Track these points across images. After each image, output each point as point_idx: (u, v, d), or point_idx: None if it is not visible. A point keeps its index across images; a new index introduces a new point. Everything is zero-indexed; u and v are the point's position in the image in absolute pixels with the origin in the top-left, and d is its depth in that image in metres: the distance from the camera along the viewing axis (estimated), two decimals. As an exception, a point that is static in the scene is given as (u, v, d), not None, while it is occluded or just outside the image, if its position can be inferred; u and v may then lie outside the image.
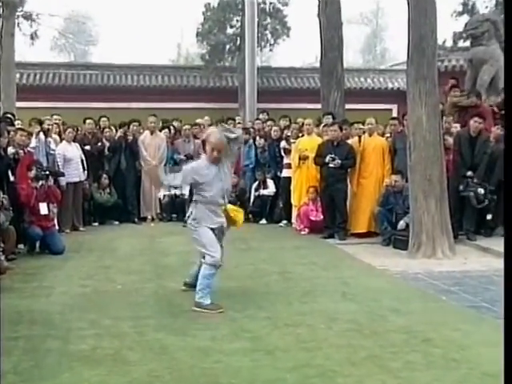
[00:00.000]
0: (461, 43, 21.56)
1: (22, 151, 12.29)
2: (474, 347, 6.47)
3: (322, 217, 13.97)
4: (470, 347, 6.47)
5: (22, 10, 24.29)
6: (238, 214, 8.57)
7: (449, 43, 22.42)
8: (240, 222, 8.54)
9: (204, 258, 8.00)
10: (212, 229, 8.06)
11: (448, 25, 35.77)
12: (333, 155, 13.28)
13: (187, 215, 8.37)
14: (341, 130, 13.88)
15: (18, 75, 26.10)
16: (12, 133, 12.63)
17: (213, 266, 7.89)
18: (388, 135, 14.65)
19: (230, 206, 8.48)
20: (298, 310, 7.73)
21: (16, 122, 14.45)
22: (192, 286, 8.43)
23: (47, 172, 12.40)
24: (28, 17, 24.57)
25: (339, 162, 13.25)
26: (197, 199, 8.15)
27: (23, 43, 26.18)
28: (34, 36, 24.86)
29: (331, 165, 13.28)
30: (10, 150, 11.92)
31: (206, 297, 7.83)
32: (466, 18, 21.43)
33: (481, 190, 12.45)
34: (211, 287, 7.89)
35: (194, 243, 8.24)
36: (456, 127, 14.18)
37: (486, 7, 22.01)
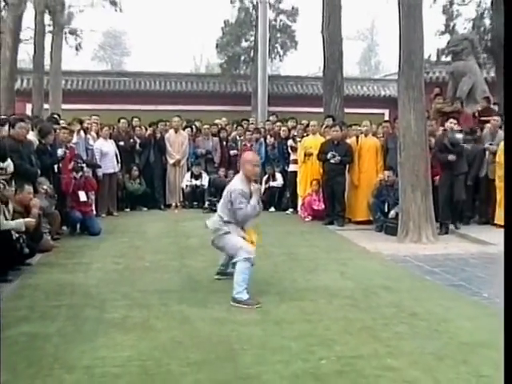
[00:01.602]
0: (443, 58, 21.55)
1: (67, 150, 12.37)
2: (454, 320, 6.49)
3: (323, 206, 13.96)
4: (449, 320, 6.48)
5: (68, 27, 24.43)
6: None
7: (433, 58, 22.35)
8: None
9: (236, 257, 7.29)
10: None
11: (433, 42, 35.77)
12: (333, 152, 13.30)
13: (215, 228, 7.55)
14: (341, 130, 13.91)
15: (63, 81, 26.20)
16: (57, 131, 12.73)
17: (248, 260, 7.11)
18: (381, 136, 14.62)
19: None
20: (302, 287, 7.73)
21: (61, 122, 14.53)
22: (223, 274, 8.12)
23: (83, 164, 12.48)
24: (73, 32, 24.75)
25: (339, 158, 13.27)
26: (230, 220, 7.43)
27: (69, 54, 26.33)
28: (78, 48, 25.01)
29: (332, 161, 13.30)
30: (60, 152, 11.99)
31: (242, 292, 7.07)
32: (447, 36, 21.44)
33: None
34: (247, 282, 7.14)
35: (225, 248, 7.61)
36: (440, 130, 14.17)
37: (465, 28, 22.12)
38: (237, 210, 7.33)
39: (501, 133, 13.64)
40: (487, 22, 22.14)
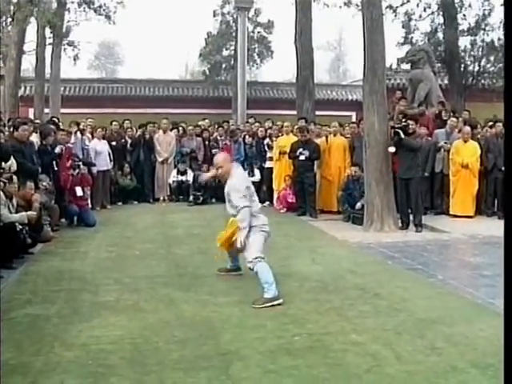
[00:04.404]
0: (403, 66, 21.81)
1: (64, 148, 12.33)
2: (411, 299, 6.57)
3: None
4: (408, 299, 6.56)
5: (66, 39, 24.38)
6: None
7: (394, 66, 22.61)
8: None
9: None
10: None
11: (393, 52, 36.01)
12: (302, 151, 13.38)
13: None
14: (307, 132, 14.07)
15: (62, 88, 26.09)
16: (56, 132, 12.71)
17: None
18: (348, 135, 14.68)
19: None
20: (277, 272, 7.64)
21: (60, 124, 14.50)
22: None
23: (80, 162, 12.49)
24: (71, 44, 24.64)
25: (307, 154, 13.36)
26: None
27: (67, 63, 26.19)
28: (75, 58, 24.97)
29: (301, 157, 13.37)
30: (57, 149, 11.96)
31: None
32: (406, 47, 21.75)
33: None
34: None
35: None
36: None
37: (421, 40, 22.42)
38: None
39: (455, 133, 13.76)
40: (440, 35, 22.41)
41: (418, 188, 11.81)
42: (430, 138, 13.90)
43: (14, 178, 9.26)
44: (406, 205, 11.74)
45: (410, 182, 11.64)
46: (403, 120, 11.97)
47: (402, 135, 11.44)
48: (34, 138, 11.80)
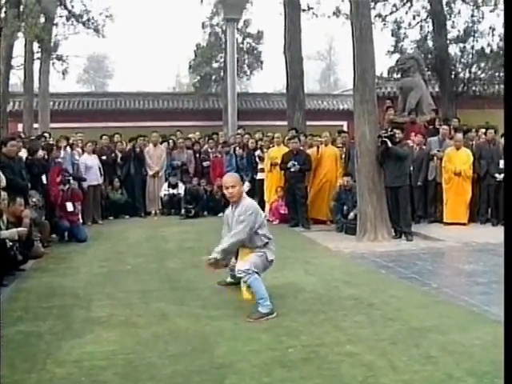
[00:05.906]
0: (393, 75, 21.93)
1: (47, 155, 12.38)
2: (406, 309, 6.56)
3: (289, 210, 14.01)
4: (402, 309, 6.56)
5: (55, 54, 24.40)
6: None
7: (385, 74, 22.79)
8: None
9: None
10: None
11: (383, 61, 36.10)
12: (293, 162, 13.35)
13: None
14: (299, 140, 14.06)
15: (51, 103, 26.09)
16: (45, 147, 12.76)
17: None
18: (340, 145, 14.70)
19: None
20: (271, 284, 7.65)
21: (49, 139, 14.51)
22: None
23: (70, 177, 12.49)
24: (60, 58, 24.68)
25: (298, 167, 13.32)
26: None
27: (56, 78, 26.23)
28: (64, 72, 24.99)
29: (292, 169, 13.36)
30: (40, 153, 11.97)
31: None
32: (396, 56, 21.92)
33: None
34: None
35: None
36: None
37: (411, 48, 22.59)
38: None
39: (448, 141, 13.80)
40: (430, 43, 22.59)
41: (406, 197, 11.86)
42: (424, 147, 13.94)
43: (4, 194, 9.25)
44: (396, 213, 11.77)
45: (399, 191, 11.69)
46: (389, 129, 11.98)
47: (390, 144, 11.48)
48: (23, 154, 11.79)
